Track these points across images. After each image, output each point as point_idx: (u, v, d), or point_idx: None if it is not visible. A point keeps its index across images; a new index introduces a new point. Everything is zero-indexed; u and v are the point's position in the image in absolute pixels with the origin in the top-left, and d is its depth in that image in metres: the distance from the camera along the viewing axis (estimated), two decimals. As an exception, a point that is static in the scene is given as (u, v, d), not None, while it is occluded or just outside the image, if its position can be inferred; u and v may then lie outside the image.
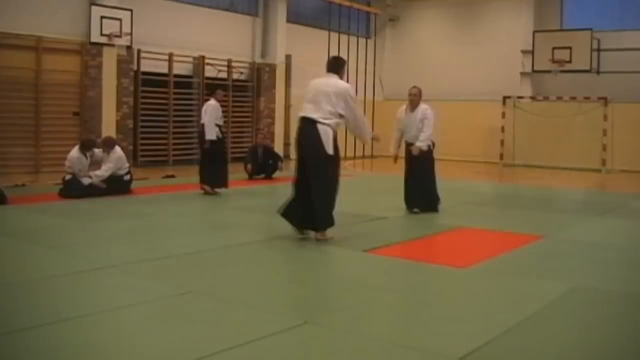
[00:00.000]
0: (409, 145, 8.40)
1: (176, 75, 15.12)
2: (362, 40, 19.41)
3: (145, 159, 14.54)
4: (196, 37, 15.40)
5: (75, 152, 9.46)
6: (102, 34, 13.14)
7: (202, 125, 10.09)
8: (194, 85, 15.78)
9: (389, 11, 21.01)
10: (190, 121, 15.73)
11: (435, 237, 7.06)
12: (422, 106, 8.35)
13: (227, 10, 16.58)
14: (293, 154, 17.98)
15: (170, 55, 14.83)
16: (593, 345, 3.76)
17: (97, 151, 9.75)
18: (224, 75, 16.15)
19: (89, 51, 13.27)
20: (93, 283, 4.86)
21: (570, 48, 16.64)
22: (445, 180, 13.36)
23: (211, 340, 3.62)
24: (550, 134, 17.54)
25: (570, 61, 16.65)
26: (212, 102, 10.17)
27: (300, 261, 5.91)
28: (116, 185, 9.52)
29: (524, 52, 18.16)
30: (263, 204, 9.34)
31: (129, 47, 13.76)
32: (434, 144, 8.57)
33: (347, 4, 18.35)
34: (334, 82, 6.45)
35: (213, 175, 10.06)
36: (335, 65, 6.64)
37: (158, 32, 14.51)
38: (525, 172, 16.21)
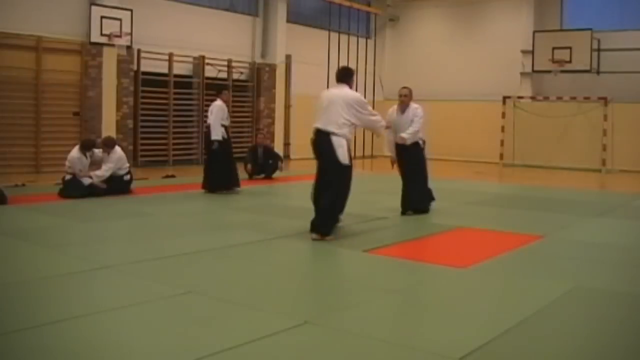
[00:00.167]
0: (400, 146, 8.33)
1: (176, 75, 15.13)
2: (362, 40, 19.41)
3: (145, 159, 14.55)
4: (196, 37, 15.41)
5: (75, 152, 9.46)
6: (102, 34, 13.15)
7: (209, 125, 10.08)
8: (194, 85, 15.79)
9: (389, 11, 21.02)
10: (190, 121, 15.75)
11: (435, 237, 7.06)
12: (413, 105, 8.26)
13: (227, 10, 16.59)
14: (293, 154, 18.13)
15: (170, 55, 14.84)
16: (593, 345, 3.76)
17: (97, 151, 9.75)
18: (224, 75, 16.15)
19: (89, 51, 13.28)
20: (93, 283, 4.86)
21: (570, 48, 16.65)
22: (445, 180, 13.39)
23: (211, 340, 3.62)
24: (550, 134, 17.55)
25: (570, 61, 16.66)
26: (218, 102, 10.18)
27: (300, 261, 5.91)
28: (116, 185, 9.52)
29: (524, 52, 18.17)
30: (263, 204, 9.35)
31: (129, 47, 13.76)
32: (424, 142, 8.51)
33: (347, 4, 18.35)
34: (344, 92, 6.71)
35: (224, 177, 10.07)
36: (345, 75, 6.88)
37: (158, 32, 14.52)
38: (525, 172, 16.21)
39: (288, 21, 17.70)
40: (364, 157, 19.14)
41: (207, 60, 15.65)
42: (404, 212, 8.31)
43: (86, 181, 9.29)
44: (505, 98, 17.90)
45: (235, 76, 16.48)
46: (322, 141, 6.59)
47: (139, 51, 14.21)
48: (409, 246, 6.62)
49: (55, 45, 12.81)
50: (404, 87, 8.44)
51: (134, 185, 10.03)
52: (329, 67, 17.52)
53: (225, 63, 16.15)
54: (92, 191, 9.20)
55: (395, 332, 3.89)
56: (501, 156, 17.92)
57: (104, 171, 9.44)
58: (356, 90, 7.79)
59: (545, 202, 10.27)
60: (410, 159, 8.32)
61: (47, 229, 6.96)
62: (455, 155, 19.04)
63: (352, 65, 17.65)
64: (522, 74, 18.39)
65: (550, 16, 18.51)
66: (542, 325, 4.02)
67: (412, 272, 5.52)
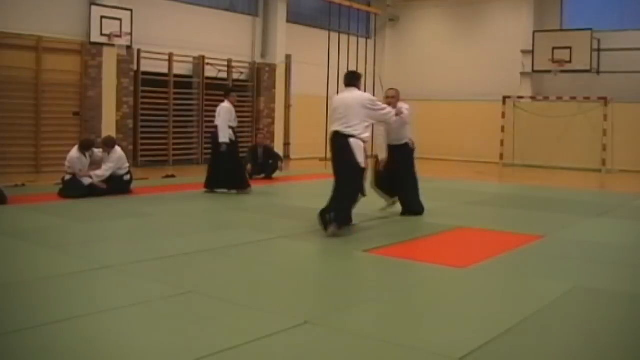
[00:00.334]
0: (392, 148, 8.31)
1: (176, 75, 15.13)
2: (362, 40, 19.41)
3: (145, 159, 14.55)
4: (196, 37, 15.41)
5: (74, 152, 9.46)
6: (102, 34, 13.15)
7: (216, 127, 10.10)
8: (194, 85, 15.79)
9: (389, 11, 21.02)
10: (190, 121, 15.76)
11: (435, 237, 7.05)
12: (399, 104, 8.22)
13: (227, 10, 16.59)
14: (293, 154, 18.09)
15: (170, 55, 14.84)
16: (593, 345, 3.76)
17: (97, 151, 9.75)
18: (224, 75, 16.16)
19: (89, 51, 13.28)
20: (93, 283, 4.86)
21: (570, 48, 16.66)
22: (445, 180, 13.40)
23: (211, 340, 3.62)
24: (550, 134, 17.55)
25: (570, 61, 16.67)
26: (225, 104, 10.17)
27: (300, 261, 5.91)
28: (116, 185, 9.52)
29: (524, 52, 18.17)
30: (263, 204, 9.35)
31: (129, 47, 13.76)
32: (414, 144, 8.45)
33: (347, 4, 18.34)
34: (356, 94, 7.05)
35: (227, 176, 10.09)
36: (352, 79, 7.20)
37: (158, 32, 14.52)
38: (525, 172, 16.21)
39: (288, 21, 17.70)
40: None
41: (207, 60, 15.65)
42: (403, 213, 8.30)
43: (86, 181, 9.29)
44: (505, 98, 17.90)
45: (235, 76, 16.48)
46: (340, 143, 6.87)
47: (139, 51, 14.21)
48: (409, 246, 6.62)
49: (55, 45, 12.81)
50: (391, 89, 8.39)
51: (134, 185, 10.02)
52: (329, 67, 17.53)
53: (225, 63, 16.16)
54: (92, 191, 9.20)
55: (395, 332, 3.88)
56: (501, 156, 17.92)
57: (104, 171, 9.44)
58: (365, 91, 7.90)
59: (545, 202, 10.27)
60: (402, 160, 8.28)
61: (47, 229, 6.96)
62: (455, 155, 19.05)
63: (352, 65, 17.72)
64: (522, 74, 18.40)
65: (550, 16, 18.51)
66: (542, 326, 4.02)
67: (412, 272, 5.52)
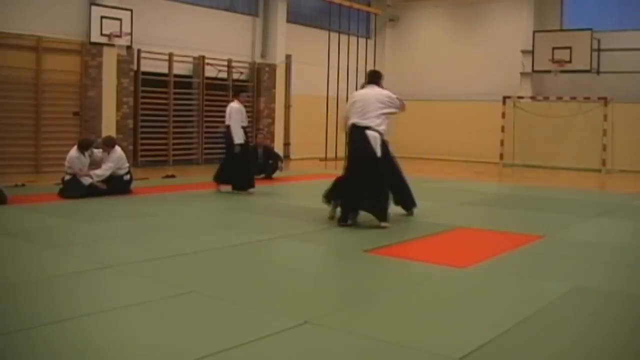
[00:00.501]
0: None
1: (176, 75, 15.13)
2: (362, 40, 19.41)
3: (145, 159, 14.55)
4: (196, 37, 15.41)
5: (73, 151, 9.46)
6: (102, 34, 13.15)
7: (227, 127, 10.15)
8: (194, 85, 15.79)
9: (389, 11, 21.02)
10: (190, 121, 15.76)
11: (435, 237, 7.05)
12: None
13: (227, 10, 16.59)
14: (293, 154, 18.08)
15: (170, 55, 14.84)
16: (593, 345, 3.76)
17: (97, 151, 9.75)
18: (224, 75, 16.16)
19: (89, 51, 13.28)
20: (93, 283, 4.86)
21: (570, 48, 16.65)
22: (445, 180, 13.40)
23: (211, 340, 3.62)
24: (550, 134, 17.56)
25: (570, 61, 16.66)
26: (235, 104, 10.22)
27: (300, 261, 5.91)
28: (116, 185, 9.52)
29: (524, 52, 18.17)
30: (263, 203, 9.35)
31: (129, 47, 13.76)
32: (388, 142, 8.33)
33: (347, 4, 18.35)
34: (375, 91, 7.52)
35: (241, 178, 10.16)
36: (375, 77, 7.75)
37: (158, 32, 14.52)
38: (525, 172, 16.21)
39: (288, 21, 17.70)
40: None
41: (207, 60, 15.65)
42: (405, 213, 8.27)
43: (86, 181, 9.29)
44: (505, 98, 17.90)
45: (235, 76, 16.48)
46: (357, 135, 7.27)
47: (139, 51, 14.21)
48: (409, 246, 6.62)
49: (55, 45, 12.81)
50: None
51: (134, 185, 10.02)
52: (329, 67, 17.53)
53: (225, 63, 16.16)
54: (92, 191, 9.20)
55: (395, 331, 3.88)
56: (501, 156, 17.92)
57: (104, 170, 9.44)
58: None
59: (545, 202, 10.27)
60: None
61: (47, 229, 6.96)
62: (455, 155, 19.06)
63: (352, 65, 17.75)
64: (522, 74, 18.40)
65: (550, 16, 18.51)
66: (542, 326, 4.03)
67: (412, 272, 5.52)
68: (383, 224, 7.27)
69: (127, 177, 9.82)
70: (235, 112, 10.10)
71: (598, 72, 17.09)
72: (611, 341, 3.84)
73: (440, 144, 19.52)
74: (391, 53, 21.31)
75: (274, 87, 17.52)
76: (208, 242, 6.44)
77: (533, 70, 17.61)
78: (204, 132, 15.75)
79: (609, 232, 7.66)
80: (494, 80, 18.67)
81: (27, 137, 12.54)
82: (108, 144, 9.75)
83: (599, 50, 17.03)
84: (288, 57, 17.75)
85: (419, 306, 4.52)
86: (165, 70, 14.88)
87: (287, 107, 17.96)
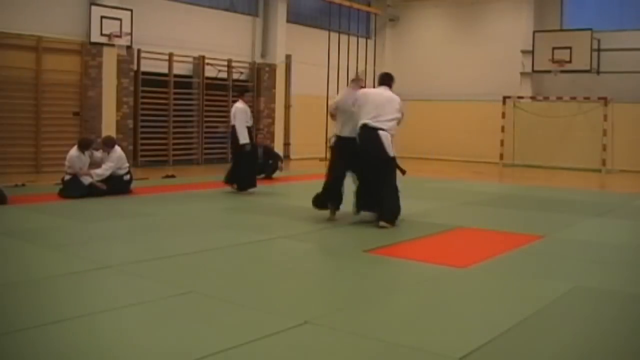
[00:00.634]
0: (349, 141, 8.16)
1: (176, 75, 15.13)
2: (362, 40, 19.41)
3: (145, 159, 14.55)
4: (196, 37, 15.41)
5: (74, 151, 9.46)
6: (102, 34, 13.14)
7: (233, 127, 10.19)
8: (194, 85, 15.79)
9: (389, 11, 21.02)
10: (190, 121, 15.76)
11: (435, 237, 7.05)
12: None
13: (227, 10, 16.59)
14: (293, 154, 18.08)
15: (170, 55, 14.84)
16: (593, 345, 3.76)
17: (97, 153, 9.74)
18: (224, 75, 16.16)
19: (89, 51, 13.28)
20: (93, 283, 4.86)
21: (570, 48, 16.65)
22: (445, 180, 13.40)
23: (211, 340, 3.62)
24: (550, 134, 17.55)
25: (570, 61, 16.66)
26: (239, 104, 10.24)
27: (300, 261, 5.91)
28: (116, 185, 9.52)
29: (524, 52, 18.17)
30: (263, 203, 9.34)
31: (129, 47, 13.76)
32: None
33: (347, 4, 18.34)
34: (388, 94, 7.62)
35: (245, 177, 10.17)
36: (387, 79, 7.82)
37: (158, 32, 14.52)
38: (525, 172, 16.21)
39: (288, 21, 17.70)
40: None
41: (207, 60, 15.65)
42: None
43: (86, 180, 9.29)
44: (505, 98, 17.90)
45: (235, 76, 16.48)
46: (369, 135, 7.29)
47: (139, 51, 14.21)
48: (409, 246, 6.62)
49: (55, 45, 12.81)
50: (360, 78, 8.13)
51: (134, 185, 10.03)
52: (329, 67, 17.52)
53: (225, 63, 16.16)
54: (92, 191, 9.20)
55: (395, 332, 3.88)
56: (501, 156, 17.92)
57: (104, 170, 9.44)
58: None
59: (545, 202, 10.27)
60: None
61: (47, 229, 6.96)
62: (455, 155, 19.06)
63: (352, 65, 17.72)
64: (522, 74, 18.40)
65: (550, 16, 18.51)
66: (542, 325, 4.03)
67: (412, 272, 5.52)
68: (382, 223, 7.27)
69: (127, 177, 9.82)
70: (239, 113, 10.13)
71: (598, 72, 17.09)
72: (611, 341, 3.84)
73: (440, 144, 19.52)
74: (391, 53, 21.31)
75: (274, 87, 17.52)
76: (208, 242, 6.44)
77: (533, 70, 17.61)
78: (204, 132, 15.75)
79: (609, 232, 7.66)
80: (494, 80, 18.67)
81: (27, 137, 12.54)
82: (108, 144, 9.75)
83: (599, 50, 17.03)
84: (288, 57, 17.75)
85: (419, 306, 4.52)
86: (165, 70, 14.88)
87: (287, 107, 17.96)
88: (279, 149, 16.08)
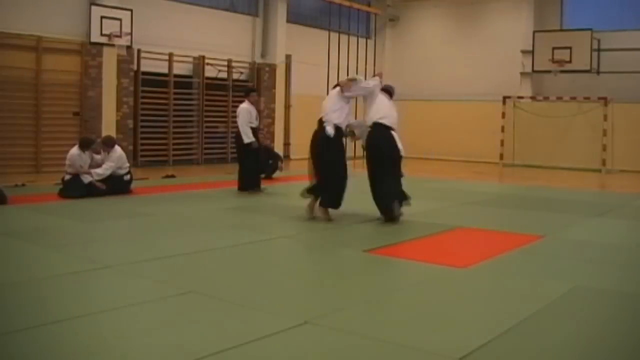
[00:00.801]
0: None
1: (176, 75, 15.13)
2: (362, 40, 19.41)
3: (145, 159, 14.55)
4: (196, 37, 15.40)
5: (75, 149, 9.46)
6: (102, 34, 13.15)
7: (238, 129, 10.27)
8: (194, 85, 15.79)
9: (389, 11, 21.01)
10: (190, 121, 15.75)
11: (435, 237, 7.06)
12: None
13: (227, 10, 16.58)
14: (293, 154, 18.09)
15: (170, 55, 14.84)
16: (593, 345, 3.76)
17: (97, 156, 9.72)
18: (224, 75, 16.15)
19: (89, 51, 13.28)
20: (93, 283, 4.86)
21: (570, 48, 16.64)
22: (445, 180, 13.40)
23: (211, 340, 3.62)
24: (550, 134, 17.55)
25: (570, 61, 16.65)
26: (244, 105, 10.32)
27: (300, 261, 5.91)
28: (116, 185, 9.52)
29: (524, 52, 18.16)
30: (263, 203, 9.35)
31: (129, 47, 13.76)
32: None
33: (347, 4, 18.35)
34: (391, 101, 8.05)
35: (247, 178, 10.21)
36: (390, 91, 8.18)
37: (158, 32, 14.52)
38: (525, 172, 16.21)
39: (288, 21, 17.69)
40: (363, 156, 19.12)
41: (207, 60, 15.65)
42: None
43: (86, 179, 9.28)
44: (505, 98, 17.90)
45: (235, 76, 16.47)
46: (384, 133, 7.69)
47: (139, 51, 14.21)
48: (409, 246, 6.61)
49: (55, 45, 12.81)
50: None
51: (134, 185, 10.03)
52: (329, 67, 17.52)
53: (225, 63, 16.15)
54: (91, 191, 9.20)
55: (395, 332, 3.88)
56: (501, 156, 17.91)
57: (104, 169, 9.44)
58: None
59: (545, 202, 10.27)
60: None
61: (47, 229, 6.96)
62: (455, 155, 19.05)
63: (352, 65, 17.75)
64: (522, 74, 18.39)
65: (550, 16, 18.51)
66: (542, 326, 4.03)
67: (412, 272, 5.52)
68: (381, 216, 7.63)
69: (127, 177, 9.82)
70: (243, 113, 10.19)
71: (598, 72, 17.09)
72: (611, 341, 3.84)
73: (440, 144, 19.51)
74: (391, 53, 21.30)
75: (274, 87, 17.52)
76: (208, 242, 6.44)
77: (533, 70, 17.60)
78: (204, 132, 15.74)
79: (609, 232, 7.66)
80: (494, 80, 18.67)
81: (27, 137, 12.54)
82: (108, 144, 9.75)
83: (599, 50, 17.03)
84: (288, 57, 17.74)
85: (419, 306, 4.52)
86: (165, 70, 14.88)
87: (287, 107, 17.96)
88: (279, 149, 16.08)
